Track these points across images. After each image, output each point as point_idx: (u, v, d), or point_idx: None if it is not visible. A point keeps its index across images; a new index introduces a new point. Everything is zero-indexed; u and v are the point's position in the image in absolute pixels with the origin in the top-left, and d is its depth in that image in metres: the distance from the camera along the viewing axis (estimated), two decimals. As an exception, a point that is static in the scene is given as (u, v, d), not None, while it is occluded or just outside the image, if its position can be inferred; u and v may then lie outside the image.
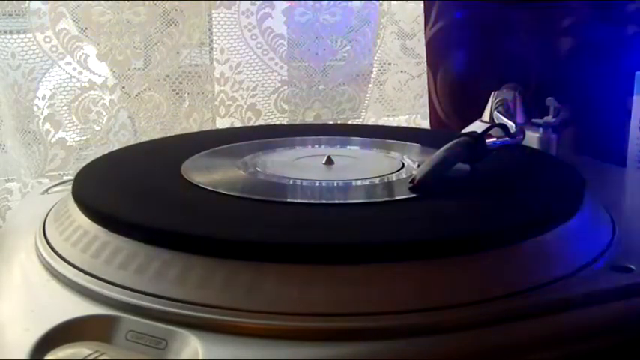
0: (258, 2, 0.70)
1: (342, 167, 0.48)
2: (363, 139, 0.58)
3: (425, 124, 0.80)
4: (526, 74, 0.74)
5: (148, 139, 0.66)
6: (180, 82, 0.69)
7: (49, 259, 0.37)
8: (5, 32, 0.61)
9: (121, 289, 0.33)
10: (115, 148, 0.65)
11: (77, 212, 0.40)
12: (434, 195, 0.41)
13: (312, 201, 0.42)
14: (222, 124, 0.72)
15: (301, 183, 0.44)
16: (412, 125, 0.81)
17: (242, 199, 0.41)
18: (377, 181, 0.45)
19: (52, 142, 0.64)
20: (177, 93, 0.69)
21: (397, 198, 0.42)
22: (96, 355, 0.29)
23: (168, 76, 0.68)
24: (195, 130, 0.70)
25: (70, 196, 0.42)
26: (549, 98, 0.59)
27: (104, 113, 0.66)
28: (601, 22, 0.72)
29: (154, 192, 0.43)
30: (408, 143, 0.55)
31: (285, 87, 0.74)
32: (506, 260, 0.35)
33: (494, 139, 0.47)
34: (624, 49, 0.71)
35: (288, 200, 0.42)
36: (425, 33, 0.76)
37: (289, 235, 0.35)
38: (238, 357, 0.29)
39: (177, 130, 0.70)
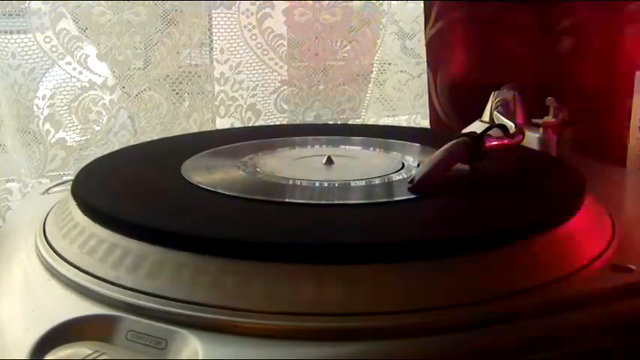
0: (258, 2, 0.70)
1: (342, 167, 0.48)
2: (363, 139, 0.58)
3: (425, 124, 0.80)
4: (526, 74, 0.74)
5: (148, 139, 0.66)
6: (180, 82, 0.69)
7: (49, 259, 0.37)
8: (5, 32, 0.61)
9: (121, 289, 0.33)
10: (115, 148, 0.65)
11: (77, 212, 0.40)
12: (433, 195, 0.41)
13: (312, 201, 0.42)
14: (222, 124, 0.72)
15: (301, 183, 0.44)
16: (412, 125, 0.81)
17: (242, 199, 0.41)
18: (377, 181, 0.45)
19: (52, 142, 0.64)
20: (177, 93, 0.69)
21: (397, 198, 0.42)
22: (96, 355, 0.29)
23: (168, 76, 0.68)
24: (195, 130, 0.70)
25: (70, 196, 0.42)
26: (549, 98, 0.59)
27: (104, 113, 0.66)
28: (601, 22, 0.72)
29: (154, 192, 0.43)
30: (408, 143, 0.55)
31: (285, 87, 0.74)
32: (506, 260, 0.35)
33: (494, 140, 0.47)
34: (624, 49, 0.71)
35: (288, 200, 0.42)
36: (425, 33, 0.76)
37: (289, 236, 0.35)
38: (238, 357, 0.29)
39: (177, 130, 0.69)
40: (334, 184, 0.44)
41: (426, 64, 0.77)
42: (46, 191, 0.52)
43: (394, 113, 0.82)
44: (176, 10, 0.67)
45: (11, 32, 0.61)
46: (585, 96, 0.72)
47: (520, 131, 0.50)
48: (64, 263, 0.36)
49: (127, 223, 0.36)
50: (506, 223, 0.37)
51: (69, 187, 0.44)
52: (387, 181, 0.45)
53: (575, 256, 0.36)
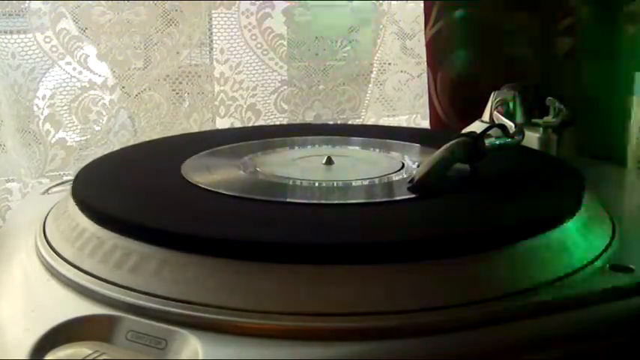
0: (258, 2, 0.70)
1: (342, 167, 0.48)
2: (363, 139, 0.58)
3: (425, 124, 0.80)
4: (526, 74, 0.74)
5: (147, 139, 0.66)
6: (180, 82, 0.69)
7: (49, 259, 0.37)
8: (5, 32, 0.61)
9: (121, 289, 0.33)
10: (115, 148, 0.65)
11: (77, 212, 0.40)
12: (433, 195, 0.41)
13: (312, 201, 0.42)
14: (222, 124, 0.72)
15: (301, 183, 0.44)
16: (412, 125, 0.81)
17: (242, 199, 0.41)
18: (376, 181, 0.45)
19: (52, 142, 0.64)
20: (177, 93, 0.69)
21: (396, 198, 0.42)
22: (96, 355, 0.29)
23: (168, 76, 0.68)
24: (195, 130, 0.70)
25: (70, 196, 0.42)
26: (549, 98, 0.59)
27: (104, 113, 0.66)
28: (601, 22, 0.72)
29: (154, 192, 0.43)
30: (408, 143, 0.55)
31: (285, 87, 0.74)
32: (505, 260, 0.35)
33: (494, 139, 0.47)
34: (624, 49, 0.71)
35: (288, 200, 0.42)
36: (425, 33, 0.76)
37: (289, 236, 0.35)
38: (238, 357, 0.29)
39: (178, 130, 0.69)
40: (334, 184, 0.44)
41: (426, 64, 0.77)
42: (46, 191, 0.52)
43: (394, 113, 0.82)
44: (176, 10, 0.67)
45: (11, 32, 0.61)
46: (585, 96, 0.72)
47: (520, 131, 0.50)
48: (64, 263, 0.36)
49: (126, 223, 0.36)
50: (505, 223, 0.37)
51: (69, 187, 0.44)
52: (386, 181, 0.45)
53: (575, 256, 0.36)
